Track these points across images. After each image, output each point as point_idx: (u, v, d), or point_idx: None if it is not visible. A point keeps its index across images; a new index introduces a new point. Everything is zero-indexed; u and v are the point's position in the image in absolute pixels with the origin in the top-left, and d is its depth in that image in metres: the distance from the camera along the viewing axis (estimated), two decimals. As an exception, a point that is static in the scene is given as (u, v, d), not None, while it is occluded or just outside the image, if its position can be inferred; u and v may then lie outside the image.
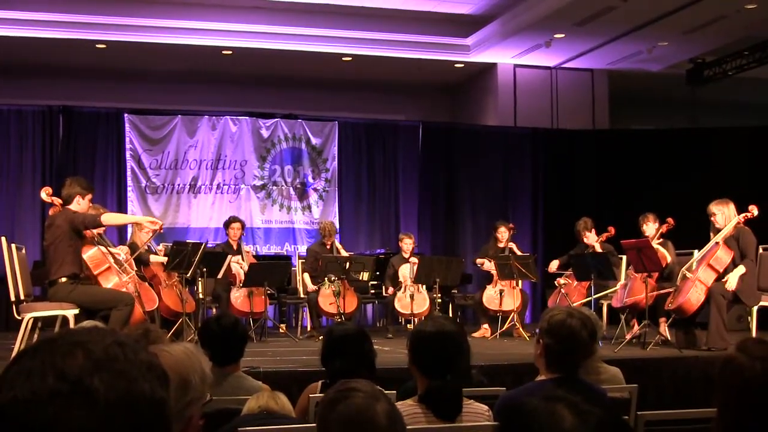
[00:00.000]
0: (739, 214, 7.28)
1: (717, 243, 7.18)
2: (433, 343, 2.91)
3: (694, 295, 7.12)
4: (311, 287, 9.10)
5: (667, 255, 8.02)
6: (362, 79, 12.80)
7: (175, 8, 10.90)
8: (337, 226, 10.74)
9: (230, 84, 12.58)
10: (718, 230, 7.25)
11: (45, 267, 6.92)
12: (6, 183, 10.71)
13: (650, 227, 8.25)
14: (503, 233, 9.53)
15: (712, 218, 7.31)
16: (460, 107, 13.78)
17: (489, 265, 9.33)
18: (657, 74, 13.05)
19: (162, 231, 7.16)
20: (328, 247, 9.38)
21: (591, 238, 8.99)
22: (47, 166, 10.90)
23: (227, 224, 9.31)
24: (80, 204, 6.50)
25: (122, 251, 7.35)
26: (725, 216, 7.24)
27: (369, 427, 1.76)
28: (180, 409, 1.81)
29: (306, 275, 9.34)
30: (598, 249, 8.85)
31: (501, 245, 9.52)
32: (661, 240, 8.21)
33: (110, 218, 6.92)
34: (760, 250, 7.69)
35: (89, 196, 6.59)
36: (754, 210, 7.30)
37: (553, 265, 9.20)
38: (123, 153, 11.30)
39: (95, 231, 6.68)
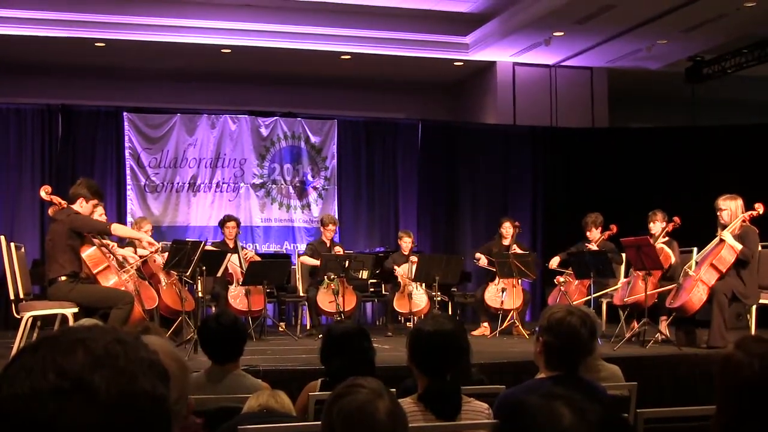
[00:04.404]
0: (745, 211, 7.13)
1: (722, 241, 7.04)
2: (433, 342, 2.90)
3: (696, 296, 7.05)
4: (312, 262, 9.14)
5: (671, 255, 7.91)
6: (361, 78, 12.79)
7: (174, 7, 10.91)
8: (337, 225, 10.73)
9: (229, 82, 12.58)
10: (725, 226, 7.11)
11: (44, 264, 6.95)
12: (5, 182, 10.70)
13: (657, 225, 8.16)
14: (507, 229, 9.46)
15: (719, 213, 7.16)
16: (459, 105, 13.76)
17: (483, 261, 9.33)
18: (656, 72, 13.05)
19: (158, 252, 7.57)
20: (327, 245, 9.39)
21: (593, 235, 8.94)
22: (46, 165, 10.89)
23: (222, 223, 9.32)
24: (82, 206, 6.52)
25: (128, 252, 7.55)
26: (731, 213, 7.10)
27: (369, 422, 1.76)
28: (178, 409, 1.82)
29: (305, 258, 9.36)
30: (594, 248, 8.79)
31: (506, 242, 9.47)
32: (667, 239, 8.11)
33: (118, 230, 7.07)
34: (759, 248, 7.64)
35: (93, 202, 6.60)
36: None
37: (554, 262, 9.11)
38: (122, 151, 11.29)
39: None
